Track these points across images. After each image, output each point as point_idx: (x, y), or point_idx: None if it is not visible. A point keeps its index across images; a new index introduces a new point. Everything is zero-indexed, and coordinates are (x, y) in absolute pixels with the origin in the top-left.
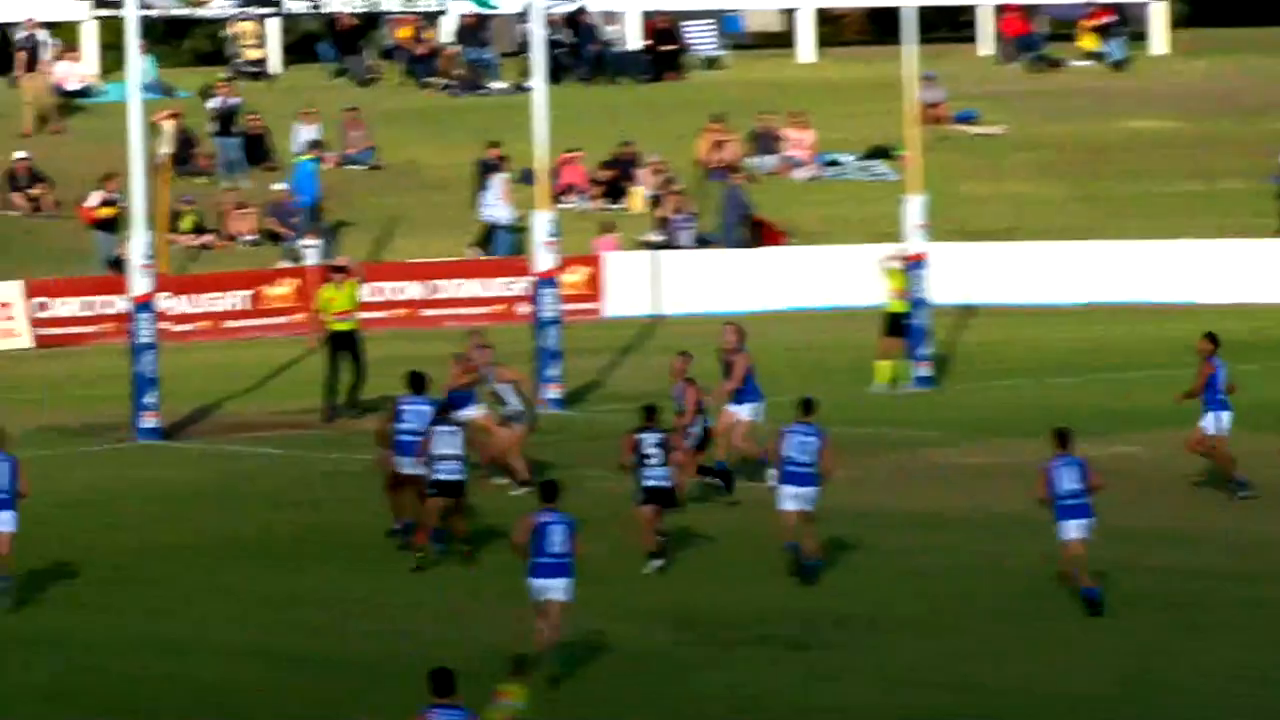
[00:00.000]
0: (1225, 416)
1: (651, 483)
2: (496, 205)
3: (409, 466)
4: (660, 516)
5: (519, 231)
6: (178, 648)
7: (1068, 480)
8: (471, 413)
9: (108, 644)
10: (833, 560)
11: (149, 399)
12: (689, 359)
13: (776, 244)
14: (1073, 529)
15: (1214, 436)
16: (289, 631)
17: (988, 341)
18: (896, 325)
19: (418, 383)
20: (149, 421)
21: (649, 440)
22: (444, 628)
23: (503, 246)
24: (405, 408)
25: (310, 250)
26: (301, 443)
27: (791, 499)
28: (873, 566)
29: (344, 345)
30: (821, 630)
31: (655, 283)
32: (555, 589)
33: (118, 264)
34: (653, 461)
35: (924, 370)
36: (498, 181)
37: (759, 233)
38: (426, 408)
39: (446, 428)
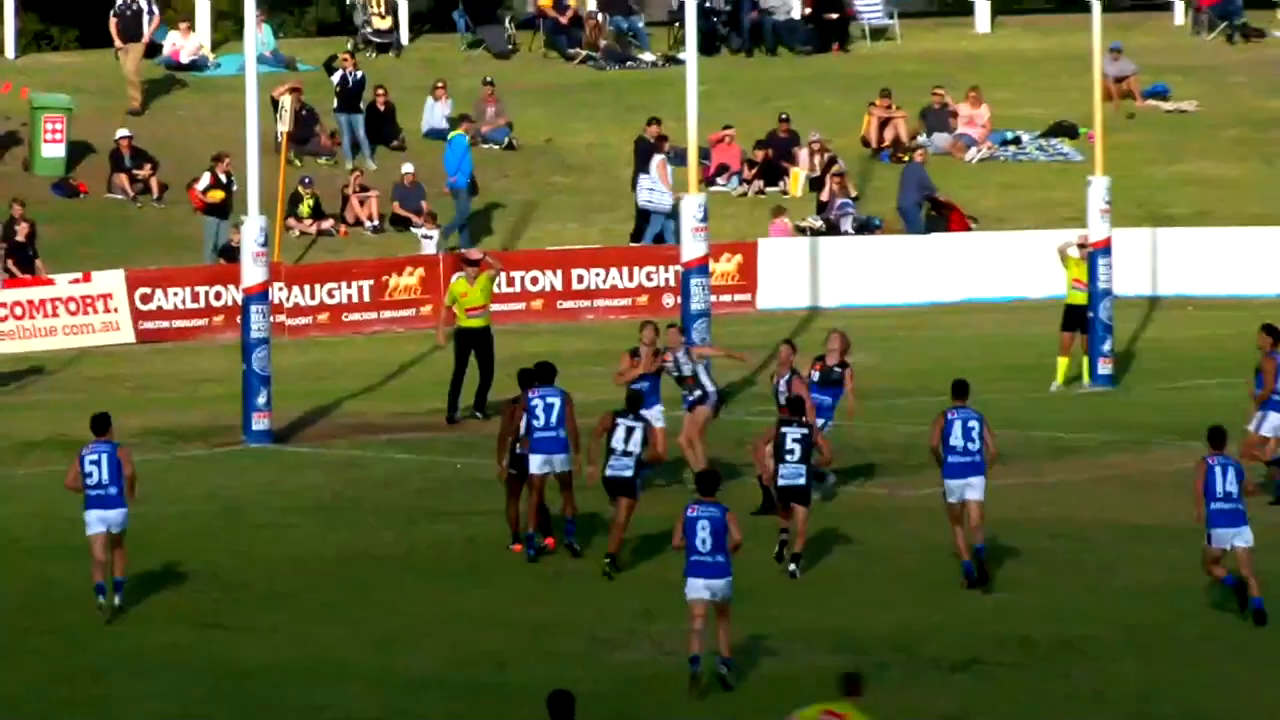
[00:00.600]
0: (1275, 417)
1: (784, 481)
2: (655, 189)
3: (538, 466)
4: (790, 515)
5: (666, 216)
6: (330, 674)
7: (1224, 483)
8: (655, 413)
9: (251, 668)
10: (1033, 578)
11: (261, 399)
12: (793, 349)
13: (963, 229)
14: (1230, 536)
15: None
16: (464, 657)
17: (1176, 337)
18: (1076, 318)
19: (546, 373)
20: (261, 423)
21: (791, 435)
22: (643, 646)
23: (663, 234)
24: (535, 400)
25: (428, 240)
26: (429, 447)
27: (962, 490)
28: (1074, 584)
29: (474, 343)
30: (1031, 652)
31: (814, 272)
32: (712, 589)
33: (228, 252)
34: (792, 459)
35: (1105, 368)
36: (656, 163)
37: (943, 216)
38: (557, 400)
39: (628, 421)
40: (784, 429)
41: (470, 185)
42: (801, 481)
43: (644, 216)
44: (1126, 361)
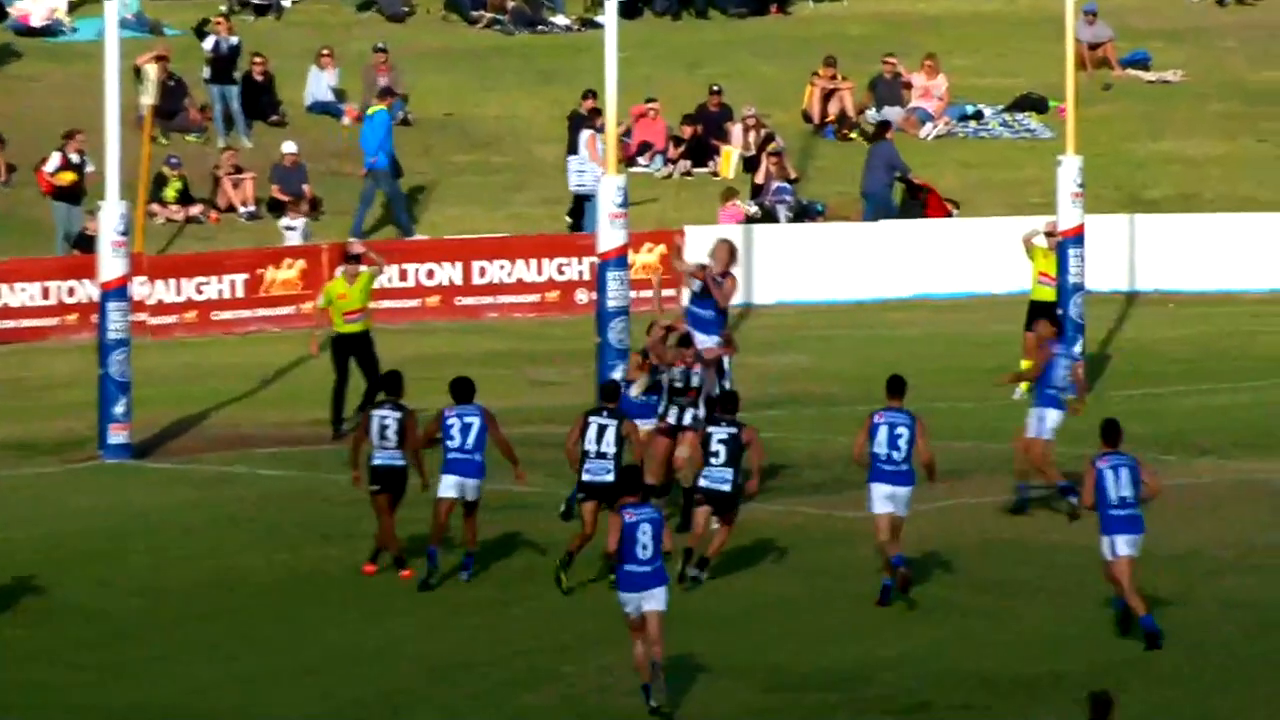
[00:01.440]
0: (1052, 415)
1: (704, 483)
2: (585, 169)
3: (448, 489)
4: (709, 521)
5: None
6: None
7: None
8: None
9: (115, 711)
10: (992, 607)
11: (119, 408)
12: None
13: (942, 215)
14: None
15: (1033, 439)
16: (353, 699)
17: (1156, 338)
18: (1043, 316)
19: (464, 389)
20: (119, 436)
21: (717, 435)
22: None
23: (594, 220)
24: (452, 419)
25: (292, 231)
26: (311, 462)
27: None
28: (1038, 614)
29: (353, 349)
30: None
31: (747, 264)
32: (649, 600)
33: (83, 242)
34: (717, 461)
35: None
36: (585, 139)
37: (919, 200)
38: (476, 420)
39: (599, 419)
40: (710, 428)
41: (393, 166)
42: (727, 488)
43: (582, 200)
44: (1100, 365)
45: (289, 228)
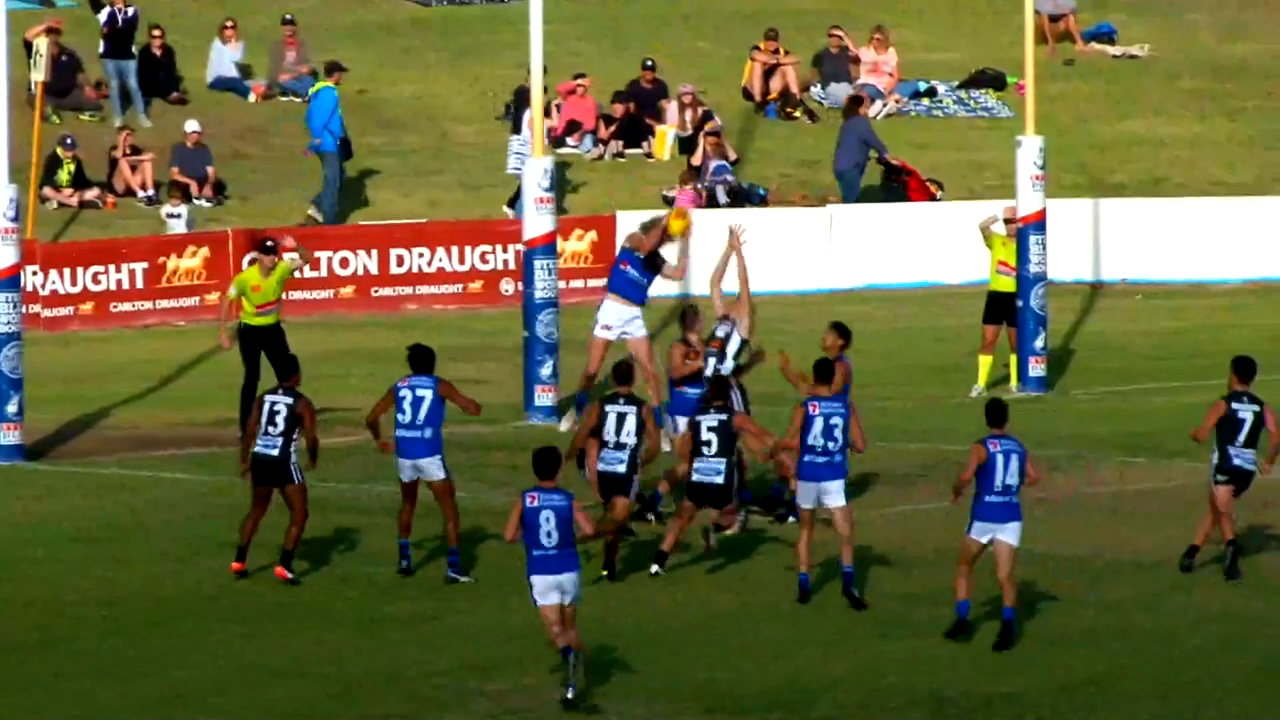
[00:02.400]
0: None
1: (697, 477)
2: (525, 152)
3: (406, 474)
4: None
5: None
6: None
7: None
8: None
9: None
10: (947, 622)
11: (11, 407)
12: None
13: (925, 198)
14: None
15: None
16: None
17: (1122, 330)
18: (1002, 308)
19: (419, 358)
20: (10, 436)
21: (706, 423)
22: (478, 706)
23: None
24: (404, 391)
25: (176, 219)
26: (216, 465)
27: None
28: (996, 629)
29: (264, 343)
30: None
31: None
32: (562, 586)
33: None
34: (709, 451)
35: (1037, 368)
36: (527, 120)
37: (898, 182)
38: (429, 392)
39: (618, 406)
40: (699, 416)
41: (343, 148)
42: (720, 480)
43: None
44: (1063, 361)
45: (172, 215)
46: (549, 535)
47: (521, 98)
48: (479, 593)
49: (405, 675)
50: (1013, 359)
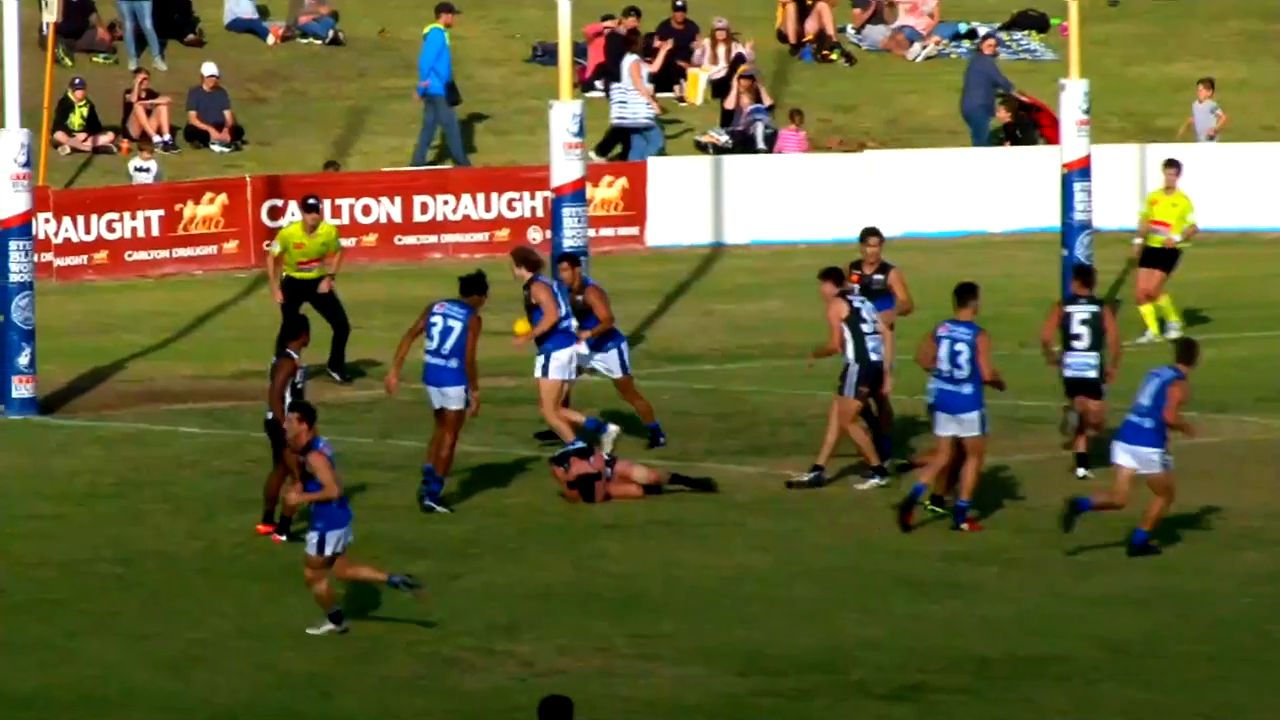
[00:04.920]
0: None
1: (1069, 372)
2: (628, 100)
3: (435, 399)
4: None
5: (645, 130)
6: (113, 702)
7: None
8: None
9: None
10: (990, 583)
11: (23, 359)
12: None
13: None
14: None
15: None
16: (278, 681)
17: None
18: (1159, 257)
19: (467, 284)
20: (23, 389)
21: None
22: (503, 668)
23: (640, 156)
24: (435, 317)
25: (144, 173)
26: (235, 419)
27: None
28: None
29: (306, 297)
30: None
31: (717, 199)
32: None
33: None
34: (1080, 345)
35: None
36: (628, 66)
37: (1029, 120)
38: (458, 324)
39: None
40: (1069, 307)
41: (450, 92)
42: (1093, 374)
43: (616, 135)
44: None
45: (140, 169)
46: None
47: (614, 44)
48: (504, 551)
49: (429, 636)
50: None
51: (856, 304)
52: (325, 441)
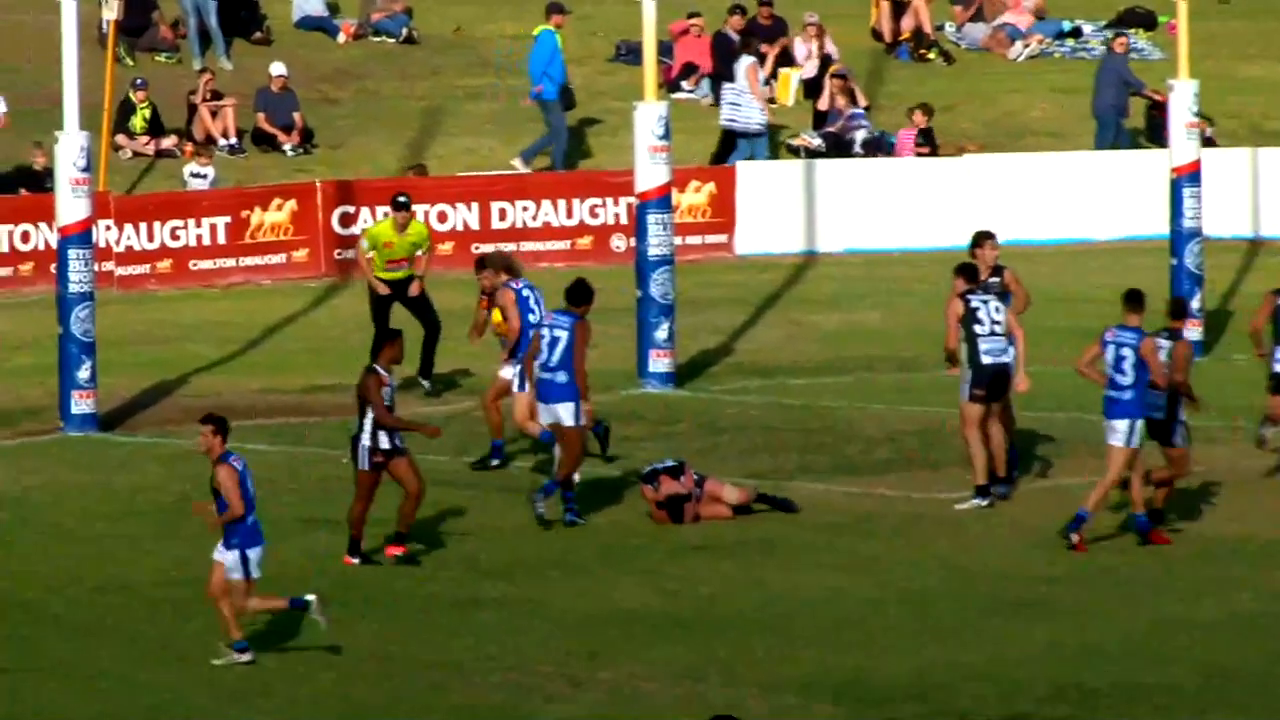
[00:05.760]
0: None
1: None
2: (741, 102)
3: (544, 416)
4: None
5: (755, 137)
6: None
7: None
8: None
9: None
10: (1094, 606)
11: (83, 372)
12: None
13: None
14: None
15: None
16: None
17: None
18: None
19: (573, 293)
20: (83, 404)
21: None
22: (587, 696)
23: (741, 160)
24: (544, 328)
25: (199, 179)
26: (304, 435)
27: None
28: (1146, 614)
29: (398, 295)
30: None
31: (809, 206)
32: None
33: (32, 178)
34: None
35: (1194, 331)
36: (744, 68)
37: (1160, 122)
38: (565, 334)
39: None
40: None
41: (564, 95)
42: None
43: (728, 139)
44: (1220, 322)
45: (197, 175)
46: (253, 499)
47: (723, 43)
48: (586, 574)
49: (506, 662)
50: None
51: (975, 304)
52: (237, 455)
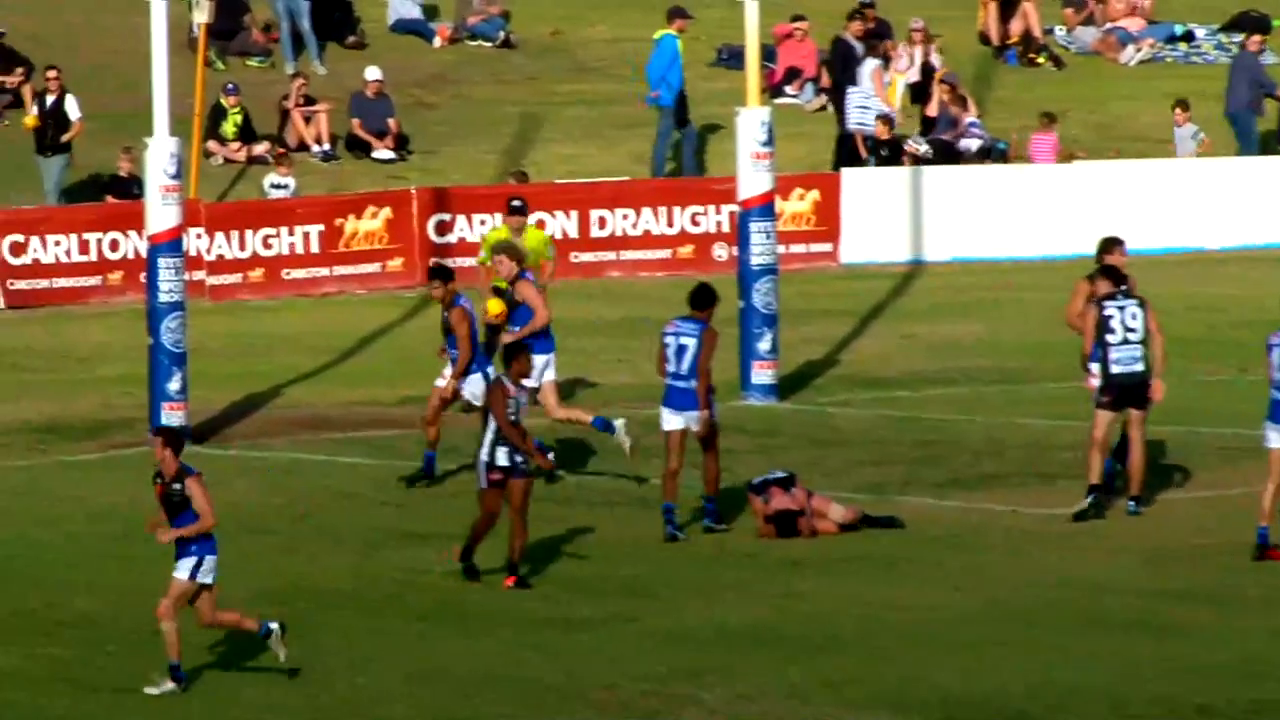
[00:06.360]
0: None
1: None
2: (872, 106)
3: (675, 422)
4: None
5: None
6: None
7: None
8: None
9: None
10: (1211, 622)
11: (174, 384)
12: None
13: None
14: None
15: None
16: None
17: None
18: None
19: (696, 298)
20: (173, 416)
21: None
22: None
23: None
24: (669, 337)
25: (280, 189)
26: (398, 448)
27: None
28: (1266, 630)
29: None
30: None
31: (916, 213)
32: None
33: (121, 186)
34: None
35: None
36: (870, 71)
37: None
38: (692, 341)
39: None
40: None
41: (680, 104)
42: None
43: (845, 141)
44: None
45: (276, 186)
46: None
47: (843, 48)
48: (686, 590)
49: (606, 682)
50: None
51: (1109, 311)
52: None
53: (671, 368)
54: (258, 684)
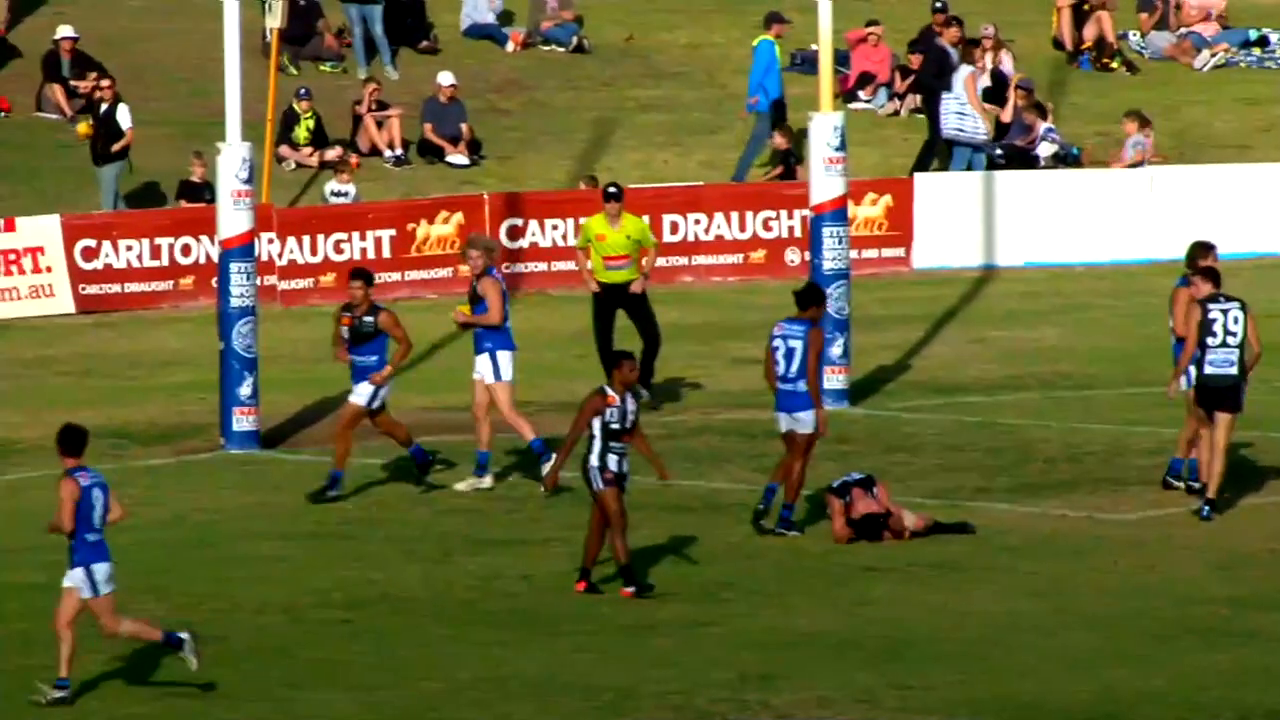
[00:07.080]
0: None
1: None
2: (966, 113)
3: (784, 423)
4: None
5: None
6: None
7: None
8: None
9: None
10: None
11: (245, 389)
12: None
13: None
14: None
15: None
16: None
17: None
18: None
19: (803, 297)
20: (245, 421)
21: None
22: None
23: (959, 168)
24: (776, 340)
25: (340, 197)
26: (471, 454)
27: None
28: None
29: (620, 300)
30: None
31: (989, 218)
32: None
33: (193, 191)
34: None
35: None
36: (964, 78)
37: None
38: (799, 343)
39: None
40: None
41: (775, 110)
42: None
43: (930, 146)
44: None
45: (337, 194)
46: (102, 518)
47: (937, 54)
48: (758, 595)
49: (677, 687)
50: None
51: (1213, 314)
52: (90, 472)
53: (781, 370)
54: (321, 690)
